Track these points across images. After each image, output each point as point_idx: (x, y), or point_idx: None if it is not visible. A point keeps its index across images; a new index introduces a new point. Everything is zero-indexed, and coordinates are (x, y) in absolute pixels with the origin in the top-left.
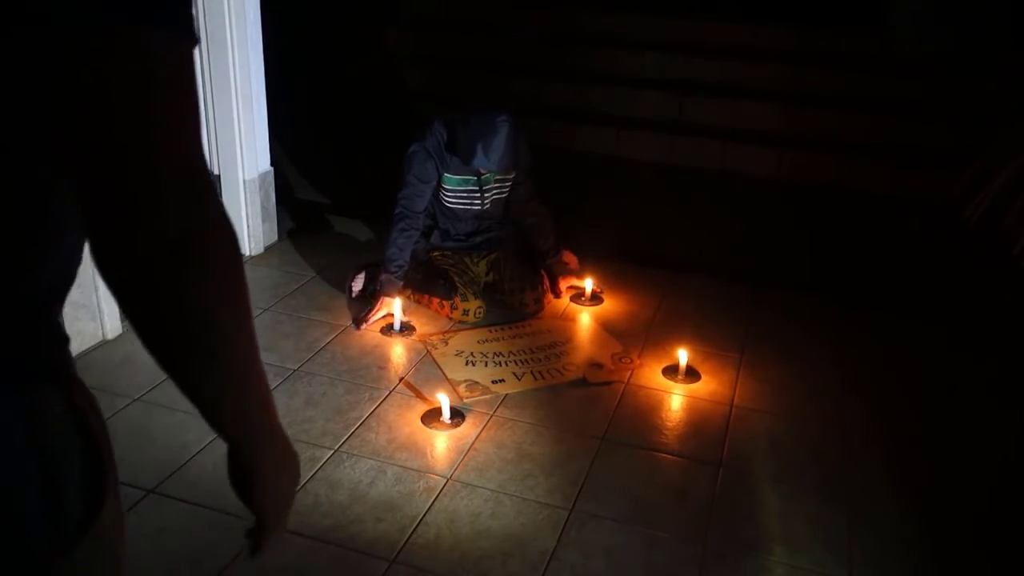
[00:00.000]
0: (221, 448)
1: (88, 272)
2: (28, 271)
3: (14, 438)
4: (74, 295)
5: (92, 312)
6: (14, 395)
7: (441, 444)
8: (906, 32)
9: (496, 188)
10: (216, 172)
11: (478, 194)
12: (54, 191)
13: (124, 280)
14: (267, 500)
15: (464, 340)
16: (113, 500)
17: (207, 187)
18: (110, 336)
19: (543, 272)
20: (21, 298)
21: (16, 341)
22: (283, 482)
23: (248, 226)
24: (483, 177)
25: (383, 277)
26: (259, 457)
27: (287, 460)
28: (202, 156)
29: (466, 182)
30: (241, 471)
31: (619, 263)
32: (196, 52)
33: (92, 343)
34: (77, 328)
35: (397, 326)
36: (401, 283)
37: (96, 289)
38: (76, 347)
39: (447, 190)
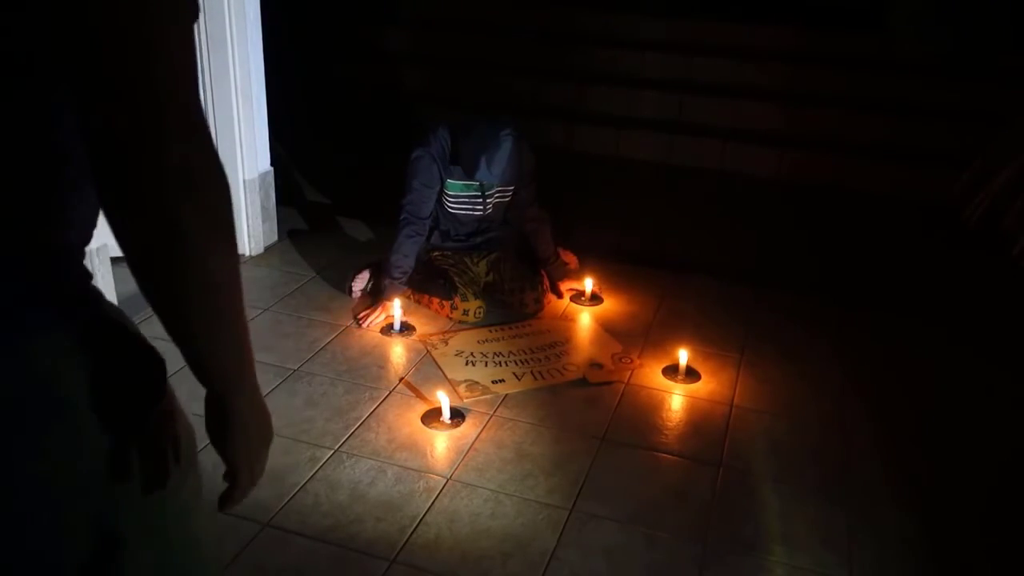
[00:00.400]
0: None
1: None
2: (62, 218)
3: (68, 359)
4: None
5: None
6: (62, 325)
7: (441, 444)
8: (906, 32)
9: (499, 193)
10: None
11: (480, 200)
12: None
13: (127, 205)
14: (240, 450)
15: (464, 340)
16: (169, 396)
17: (204, 131)
18: None
19: (543, 272)
20: (59, 243)
21: (58, 278)
22: (255, 435)
23: (248, 226)
24: (486, 183)
25: (386, 281)
26: (236, 407)
27: (261, 417)
28: (199, 105)
29: (469, 187)
30: (218, 420)
31: (619, 263)
32: (196, 52)
33: None
34: None
35: (397, 326)
36: (404, 288)
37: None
38: None
39: (450, 195)
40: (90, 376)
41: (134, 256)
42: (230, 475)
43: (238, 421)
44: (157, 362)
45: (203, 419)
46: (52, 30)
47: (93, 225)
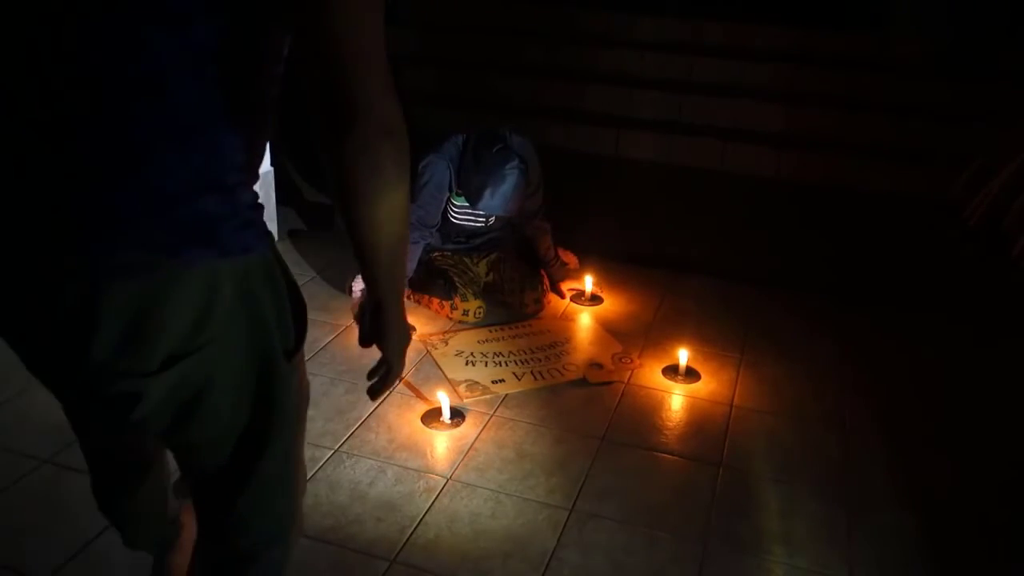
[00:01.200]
0: None
1: None
2: (256, 157)
3: (266, 279)
4: None
5: None
6: (258, 247)
7: (441, 444)
8: (906, 32)
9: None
10: None
11: (483, 215)
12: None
13: (343, 144)
14: (392, 346)
15: (464, 340)
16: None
17: (397, 96)
18: None
19: (543, 272)
20: (254, 179)
21: (255, 208)
22: (403, 335)
23: None
24: (488, 213)
25: None
26: (393, 314)
27: (406, 325)
28: (391, 72)
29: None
30: (377, 322)
31: (619, 263)
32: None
33: None
34: None
35: None
36: (405, 290)
37: None
38: None
39: (456, 206)
40: (275, 291)
41: (341, 185)
42: (384, 366)
43: (392, 322)
44: (299, 298)
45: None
46: None
47: (260, 165)
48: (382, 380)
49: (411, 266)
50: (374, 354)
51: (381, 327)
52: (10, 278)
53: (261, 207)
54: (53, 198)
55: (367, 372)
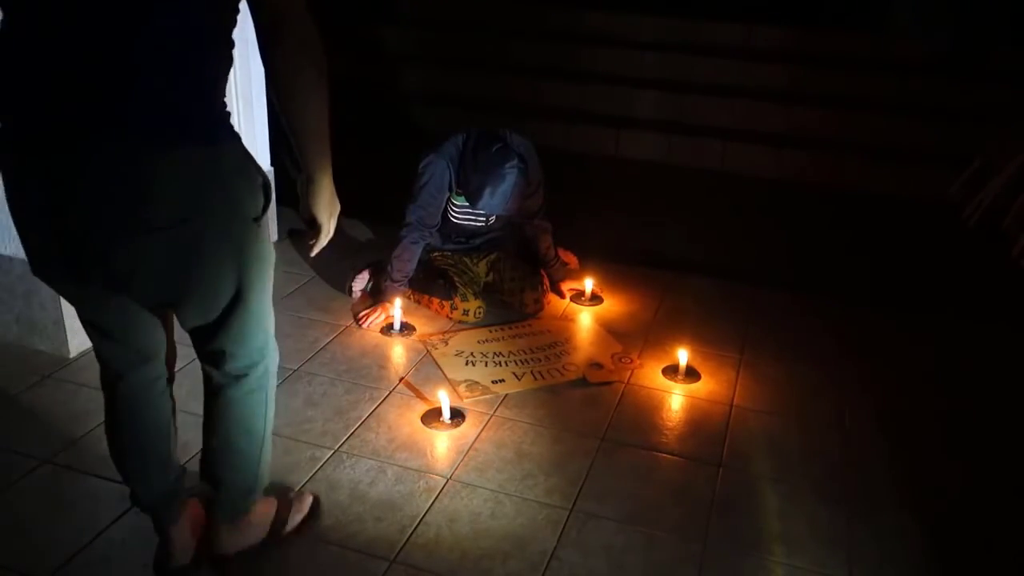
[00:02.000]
0: None
1: None
2: (219, 68)
3: (235, 162)
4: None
5: None
6: (229, 140)
7: (441, 444)
8: (906, 32)
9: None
10: None
11: (484, 215)
12: (230, 23)
13: (278, 57)
14: (322, 209)
15: (464, 340)
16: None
17: (312, 18)
18: None
19: (543, 272)
20: (223, 88)
21: (225, 111)
22: (331, 201)
23: None
24: (488, 212)
25: (387, 284)
26: (321, 185)
27: (334, 194)
28: (306, 8)
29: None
30: (309, 191)
31: (619, 263)
32: None
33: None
34: (78, 330)
35: (397, 326)
36: (404, 289)
37: None
38: (76, 348)
39: (456, 206)
40: (245, 172)
41: (276, 84)
42: (315, 226)
43: (321, 192)
44: (265, 177)
45: (195, 417)
46: None
47: (228, 72)
48: (315, 238)
49: (411, 266)
50: (375, 354)
51: (313, 196)
52: (52, 165)
53: (229, 113)
54: (83, 100)
55: (306, 239)
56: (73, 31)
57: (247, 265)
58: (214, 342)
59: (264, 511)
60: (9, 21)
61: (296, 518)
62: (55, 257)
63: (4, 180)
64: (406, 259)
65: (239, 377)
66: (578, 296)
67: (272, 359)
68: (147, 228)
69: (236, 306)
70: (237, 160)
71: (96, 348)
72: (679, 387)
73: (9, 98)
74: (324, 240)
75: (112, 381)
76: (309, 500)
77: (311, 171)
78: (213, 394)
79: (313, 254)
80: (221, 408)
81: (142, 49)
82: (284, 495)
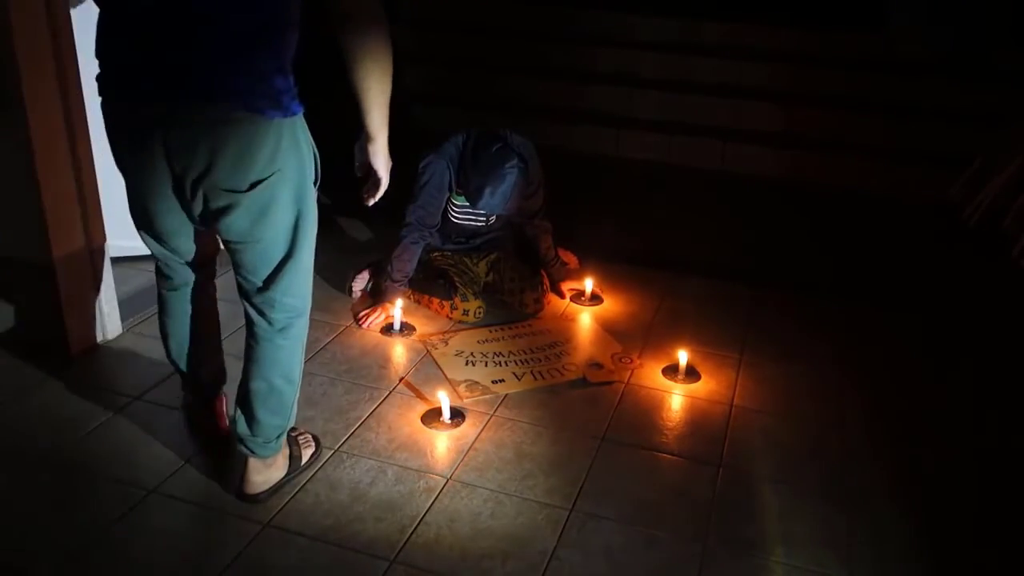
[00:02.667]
0: (221, 450)
1: (87, 278)
2: (294, 47)
3: (304, 132)
4: (75, 299)
5: (92, 313)
6: (300, 111)
7: (441, 444)
8: (906, 32)
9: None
10: None
11: (484, 215)
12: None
13: (348, 38)
14: (381, 164)
15: (464, 340)
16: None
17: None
18: (110, 336)
19: (543, 272)
20: (285, 65)
21: (295, 87)
22: (387, 157)
23: None
24: (488, 212)
25: (387, 284)
26: (380, 143)
27: (388, 153)
28: None
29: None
30: (369, 149)
31: (619, 263)
32: None
33: (92, 343)
34: (77, 329)
35: (397, 326)
36: (404, 289)
37: (97, 291)
38: (76, 347)
39: (456, 206)
40: (309, 141)
41: (348, 57)
42: (375, 177)
43: (380, 149)
44: (316, 149)
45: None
46: None
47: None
48: (374, 186)
49: (411, 267)
50: (375, 354)
51: (374, 151)
52: (163, 129)
53: (296, 87)
54: (190, 73)
55: (361, 189)
56: (178, 14)
57: (304, 222)
58: (267, 291)
59: (285, 451)
60: (106, 5)
61: (306, 453)
62: (163, 196)
63: (118, 141)
64: (406, 259)
65: (284, 328)
66: (578, 296)
67: (307, 314)
68: (244, 183)
69: (289, 259)
70: (305, 130)
71: (160, 260)
72: (679, 387)
73: (117, 78)
74: (382, 190)
75: (177, 286)
76: (310, 437)
77: (374, 129)
78: (259, 341)
79: (371, 203)
80: (267, 353)
81: (243, 34)
82: (289, 434)
